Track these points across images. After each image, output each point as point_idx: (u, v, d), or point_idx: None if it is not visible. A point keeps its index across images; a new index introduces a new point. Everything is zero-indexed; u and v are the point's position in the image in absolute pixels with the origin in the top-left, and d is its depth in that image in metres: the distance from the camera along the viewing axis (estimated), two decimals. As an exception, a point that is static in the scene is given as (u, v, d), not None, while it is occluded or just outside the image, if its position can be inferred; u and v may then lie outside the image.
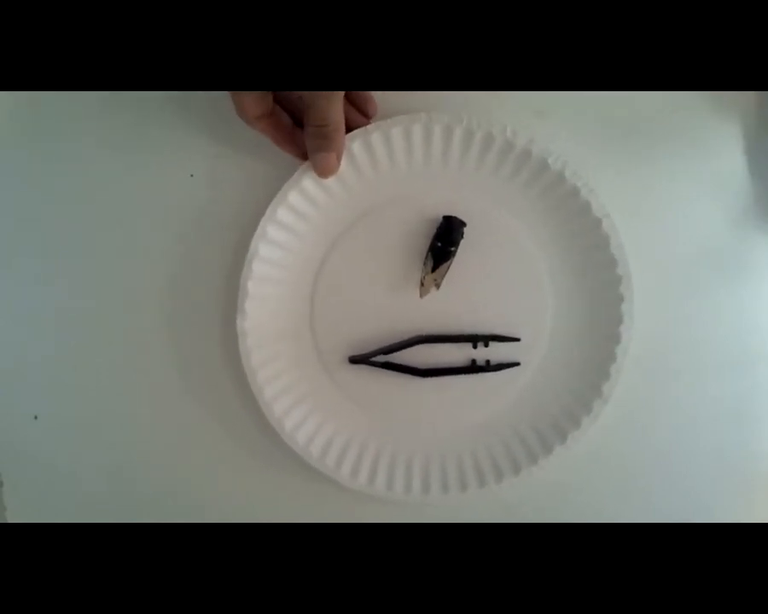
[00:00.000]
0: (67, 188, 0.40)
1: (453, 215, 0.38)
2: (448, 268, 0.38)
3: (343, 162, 0.37)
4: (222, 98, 0.38)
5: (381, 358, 0.39)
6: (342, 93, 0.34)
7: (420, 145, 0.38)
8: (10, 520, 0.40)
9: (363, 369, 0.39)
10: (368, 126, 0.37)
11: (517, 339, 0.39)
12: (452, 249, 0.38)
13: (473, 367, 0.39)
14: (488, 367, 0.39)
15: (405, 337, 0.39)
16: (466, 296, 0.39)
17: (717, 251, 0.40)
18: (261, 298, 0.38)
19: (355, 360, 0.39)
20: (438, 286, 0.38)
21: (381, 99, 0.38)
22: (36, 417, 0.40)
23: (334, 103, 0.34)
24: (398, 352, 0.39)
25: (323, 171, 0.37)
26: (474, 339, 0.39)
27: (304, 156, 0.37)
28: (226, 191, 0.39)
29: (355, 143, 0.37)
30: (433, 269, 0.38)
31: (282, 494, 0.40)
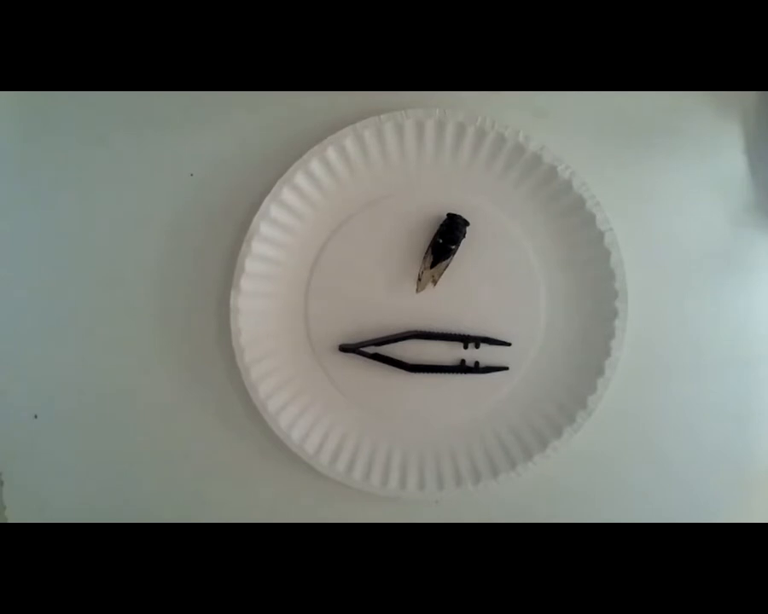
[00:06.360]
0: (67, 187, 0.40)
1: (457, 213, 0.38)
2: (447, 265, 0.38)
3: (353, 148, 0.38)
4: (222, 98, 0.39)
5: (371, 349, 0.39)
6: None
7: (431, 140, 0.38)
8: (10, 520, 0.40)
9: (352, 359, 0.39)
10: (381, 115, 0.37)
11: (508, 344, 0.39)
12: (453, 247, 0.38)
13: (461, 367, 0.39)
14: (476, 368, 0.39)
15: (398, 330, 0.39)
16: (462, 296, 0.39)
17: (717, 251, 0.40)
18: (258, 276, 0.38)
19: (345, 348, 0.39)
20: (435, 282, 0.38)
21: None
22: (36, 417, 0.40)
23: None
24: (388, 345, 0.39)
25: None
26: (466, 340, 0.39)
27: None
28: (225, 190, 0.39)
29: (367, 131, 0.37)
30: (432, 265, 0.38)
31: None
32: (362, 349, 0.39)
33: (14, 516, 0.40)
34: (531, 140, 0.37)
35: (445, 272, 0.38)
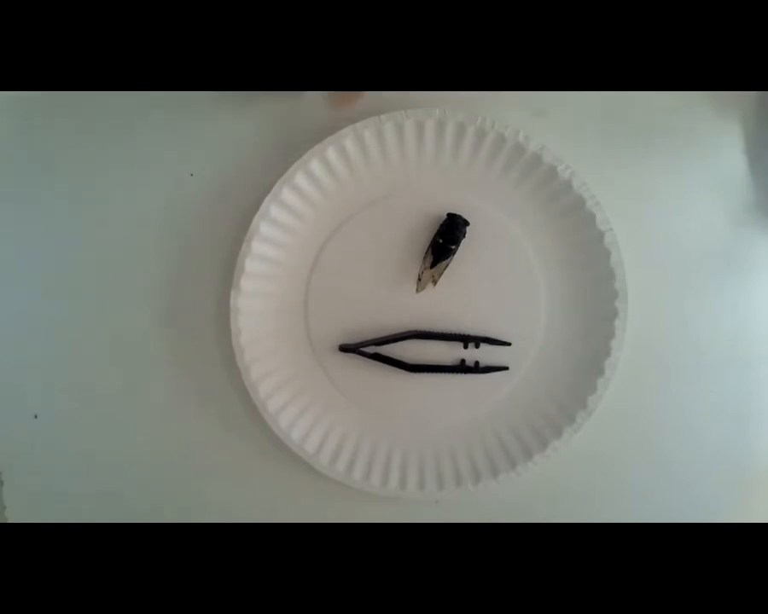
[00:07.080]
0: (67, 187, 0.40)
1: (457, 213, 0.38)
2: (447, 265, 0.38)
3: (353, 149, 0.38)
4: (222, 97, 0.39)
5: (371, 349, 0.39)
6: None
7: (431, 140, 0.38)
8: (10, 520, 0.40)
9: (352, 359, 0.39)
10: (381, 115, 0.37)
11: (508, 344, 0.39)
12: (453, 247, 0.38)
13: (461, 367, 0.39)
14: (476, 368, 0.39)
15: (398, 330, 0.39)
16: (462, 295, 0.39)
17: (717, 251, 0.40)
18: (258, 276, 0.38)
19: (345, 348, 0.39)
20: (435, 282, 0.38)
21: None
22: (36, 417, 0.40)
23: None
24: (388, 345, 0.39)
25: None
26: (466, 339, 0.39)
27: None
28: (225, 190, 0.39)
29: (367, 131, 0.37)
30: (432, 265, 0.38)
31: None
32: (362, 349, 0.39)
33: (14, 516, 0.40)
34: (531, 140, 0.37)
35: (445, 272, 0.38)
